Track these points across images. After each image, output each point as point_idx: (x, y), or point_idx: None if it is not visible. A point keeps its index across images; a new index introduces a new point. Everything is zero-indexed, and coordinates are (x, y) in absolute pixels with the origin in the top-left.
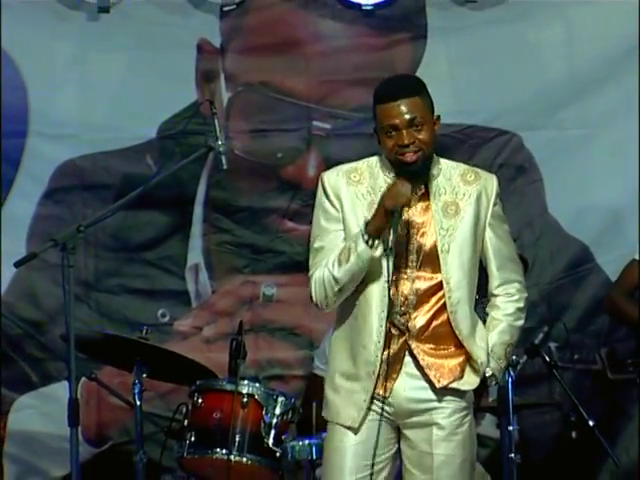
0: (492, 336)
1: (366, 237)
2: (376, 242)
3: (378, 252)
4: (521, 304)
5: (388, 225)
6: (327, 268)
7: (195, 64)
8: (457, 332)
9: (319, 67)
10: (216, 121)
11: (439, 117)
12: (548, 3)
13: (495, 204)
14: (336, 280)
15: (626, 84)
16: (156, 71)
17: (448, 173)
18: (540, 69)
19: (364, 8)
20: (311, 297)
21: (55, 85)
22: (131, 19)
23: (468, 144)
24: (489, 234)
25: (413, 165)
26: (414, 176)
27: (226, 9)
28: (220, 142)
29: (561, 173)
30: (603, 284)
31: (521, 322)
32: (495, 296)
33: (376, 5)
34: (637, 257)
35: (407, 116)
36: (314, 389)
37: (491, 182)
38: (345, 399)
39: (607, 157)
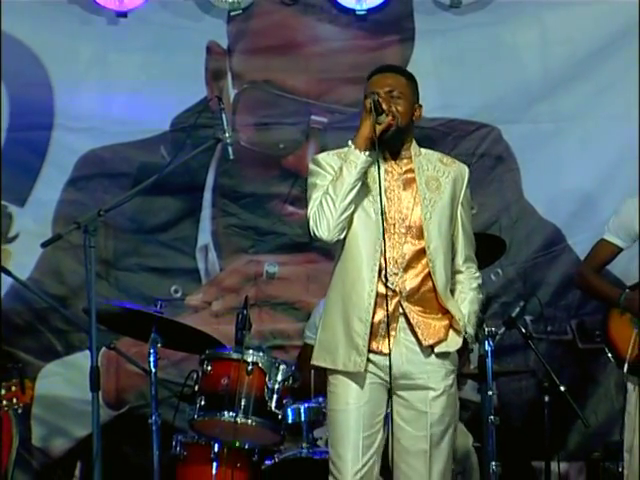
0: (465, 306)
1: (353, 146)
2: (364, 149)
3: (367, 154)
4: (480, 280)
5: (371, 123)
6: (323, 193)
7: (205, 64)
8: (439, 295)
9: (317, 66)
10: (224, 115)
11: (421, 106)
12: (524, 9)
13: (467, 188)
14: (332, 198)
15: (594, 81)
16: (169, 70)
17: (428, 156)
18: (516, 68)
19: (358, 13)
20: (312, 229)
21: (78, 82)
22: (147, 23)
23: (452, 136)
24: (461, 213)
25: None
26: (388, 141)
27: (233, 14)
28: (227, 134)
29: (536, 162)
30: (573, 262)
31: (482, 295)
32: (460, 272)
33: (368, 10)
34: (605, 237)
35: (387, 88)
36: (305, 357)
37: (465, 169)
38: (345, 347)
39: (577, 148)
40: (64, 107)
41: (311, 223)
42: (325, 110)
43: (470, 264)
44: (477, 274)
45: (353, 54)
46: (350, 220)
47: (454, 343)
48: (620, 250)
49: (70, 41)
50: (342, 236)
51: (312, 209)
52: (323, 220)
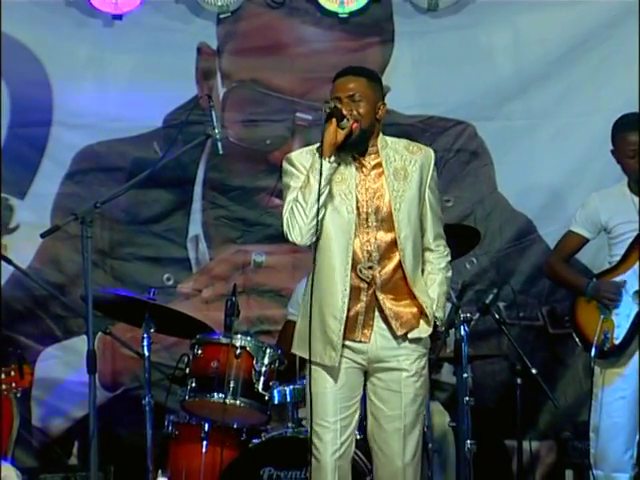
0: (434, 289)
1: (318, 155)
2: (329, 156)
3: (332, 161)
4: (449, 258)
5: (333, 130)
6: (294, 199)
7: (195, 64)
8: (409, 281)
9: (302, 66)
10: (213, 113)
11: (384, 104)
12: (498, 12)
13: (434, 171)
14: (302, 205)
15: (564, 81)
16: (162, 70)
17: (394, 146)
18: (491, 68)
19: (340, 16)
20: (286, 234)
21: (75, 81)
22: (140, 25)
23: (430, 132)
24: (428, 195)
25: (347, 121)
26: (354, 144)
27: (222, 17)
28: (217, 131)
29: (508, 157)
30: (544, 252)
31: (450, 273)
32: (430, 250)
33: (351, 13)
34: (572, 228)
35: (349, 92)
36: (286, 333)
37: (430, 154)
38: (322, 342)
39: (548, 143)
40: (62, 105)
41: (285, 228)
42: (310, 108)
43: (439, 241)
44: (445, 252)
45: (336, 55)
46: (323, 221)
47: (425, 330)
48: (587, 241)
49: (68, 42)
50: (314, 238)
51: (285, 214)
52: (295, 226)
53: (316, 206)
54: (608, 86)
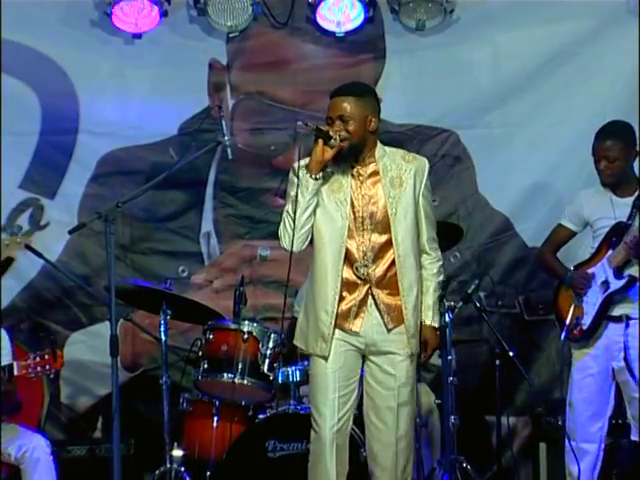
0: (430, 296)
1: (306, 171)
2: (314, 173)
3: (319, 177)
4: (441, 262)
5: (320, 149)
6: (285, 211)
7: (207, 78)
8: (400, 282)
9: (302, 80)
10: (223, 122)
11: (374, 118)
12: (479, 31)
13: (427, 179)
14: (291, 216)
15: (538, 92)
16: (177, 83)
17: (392, 155)
18: (472, 81)
19: (337, 35)
20: (280, 242)
21: (99, 93)
22: (158, 43)
23: (417, 139)
24: (422, 201)
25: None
26: (346, 157)
27: (231, 36)
28: (226, 138)
29: (488, 162)
30: (520, 247)
31: (442, 276)
32: (425, 252)
33: (346, 33)
34: (561, 222)
35: (338, 112)
36: (293, 329)
37: (424, 163)
38: (314, 334)
39: (524, 149)
40: (87, 114)
41: (279, 235)
42: (310, 117)
43: (432, 244)
44: (438, 257)
45: (333, 70)
46: (318, 228)
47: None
48: (574, 233)
49: (93, 58)
50: (304, 246)
51: (281, 223)
52: (285, 235)
53: (303, 217)
54: (577, 97)
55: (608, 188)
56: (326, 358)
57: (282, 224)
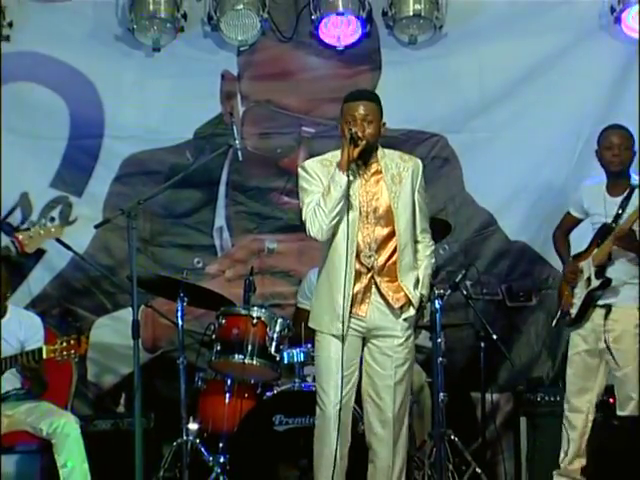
0: (421, 271)
1: (338, 169)
2: (347, 171)
3: (349, 174)
4: (433, 247)
5: (350, 150)
6: (316, 205)
7: (220, 87)
8: (399, 267)
9: (306, 89)
10: (234, 127)
11: (385, 124)
12: (466, 45)
13: (422, 178)
14: (324, 210)
15: (520, 101)
16: (192, 92)
17: (391, 156)
18: (459, 91)
19: (338, 48)
20: (308, 232)
21: (122, 101)
22: (175, 56)
23: (410, 142)
24: (417, 197)
25: (362, 141)
26: (362, 157)
27: (242, 49)
28: (237, 141)
29: (474, 163)
30: (503, 240)
31: (434, 259)
32: (418, 242)
33: (346, 46)
34: (569, 210)
35: (363, 112)
36: (297, 317)
37: (419, 163)
38: (330, 315)
39: (506, 152)
40: (112, 121)
41: (307, 225)
42: (313, 123)
43: (425, 234)
44: (430, 243)
45: (334, 80)
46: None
47: (411, 311)
48: (580, 220)
49: (117, 69)
50: (330, 235)
51: (307, 214)
52: (316, 225)
53: (335, 210)
54: (554, 106)
55: (608, 180)
56: (340, 338)
57: (312, 215)
